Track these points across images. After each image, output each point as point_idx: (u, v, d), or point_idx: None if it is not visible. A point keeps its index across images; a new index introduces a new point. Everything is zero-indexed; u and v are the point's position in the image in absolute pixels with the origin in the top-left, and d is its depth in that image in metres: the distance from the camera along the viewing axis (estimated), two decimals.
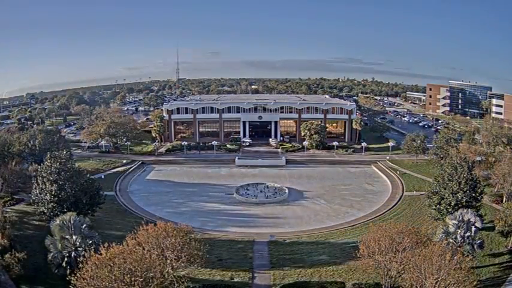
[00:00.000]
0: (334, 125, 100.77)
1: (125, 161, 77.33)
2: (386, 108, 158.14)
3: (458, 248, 31.85)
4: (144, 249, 28.00)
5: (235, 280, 34.78)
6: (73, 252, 30.72)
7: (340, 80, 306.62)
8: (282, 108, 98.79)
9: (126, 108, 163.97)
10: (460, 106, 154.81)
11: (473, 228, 33.39)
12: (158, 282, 27.48)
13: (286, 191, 61.19)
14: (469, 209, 35.62)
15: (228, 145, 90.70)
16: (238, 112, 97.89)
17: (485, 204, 45.57)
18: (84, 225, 33.20)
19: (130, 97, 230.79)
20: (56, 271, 31.92)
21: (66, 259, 30.60)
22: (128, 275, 24.21)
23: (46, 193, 40.08)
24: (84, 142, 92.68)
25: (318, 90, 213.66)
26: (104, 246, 27.01)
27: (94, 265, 24.60)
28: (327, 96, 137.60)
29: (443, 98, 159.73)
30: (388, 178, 68.82)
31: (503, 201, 48.48)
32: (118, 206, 54.71)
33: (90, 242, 31.82)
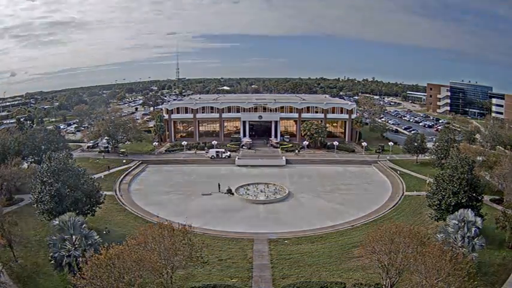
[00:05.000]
0: (335, 124, 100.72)
1: (124, 161, 77.28)
2: (387, 108, 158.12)
3: (459, 248, 31.75)
4: (144, 249, 27.93)
5: (235, 280, 34.72)
6: (73, 253, 30.63)
7: (340, 79, 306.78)
8: (282, 108, 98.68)
9: (125, 108, 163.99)
10: (460, 106, 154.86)
11: (473, 229, 33.26)
12: (158, 282, 27.47)
13: (287, 190, 61.14)
14: (470, 209, 35.50)
15: (228, 145, 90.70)
16: (238, 112, 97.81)
17: (485, 204, 45.43)
18: (84, 225, 33.14)
19: (131, 97, 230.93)
20: (56, 271, 31.87)
21: (65, 259, 30.49)
22: (128, 275, 24.18)
23: (45, 193, 39.99)
24: (84, 142, 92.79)
25: (317, 90, 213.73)
26: (103, 246, 26.99)
27: (94, 265, 24.54)
28: (327, 96, 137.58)
29: (444, 97, 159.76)
30: (388, 178, 68.78)
31: (504, 201, 48.41)
32: (118, 206, 54.64)
33: (90, 242, 31.76)
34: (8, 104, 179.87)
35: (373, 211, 53.22)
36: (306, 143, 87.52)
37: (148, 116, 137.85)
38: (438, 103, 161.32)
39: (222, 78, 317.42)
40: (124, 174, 70.02)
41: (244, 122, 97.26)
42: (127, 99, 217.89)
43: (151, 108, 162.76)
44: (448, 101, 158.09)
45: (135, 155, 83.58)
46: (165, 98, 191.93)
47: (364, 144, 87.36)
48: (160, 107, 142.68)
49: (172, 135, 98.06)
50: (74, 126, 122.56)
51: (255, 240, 43.25)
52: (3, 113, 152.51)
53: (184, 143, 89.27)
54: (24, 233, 41.24)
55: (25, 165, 64.00)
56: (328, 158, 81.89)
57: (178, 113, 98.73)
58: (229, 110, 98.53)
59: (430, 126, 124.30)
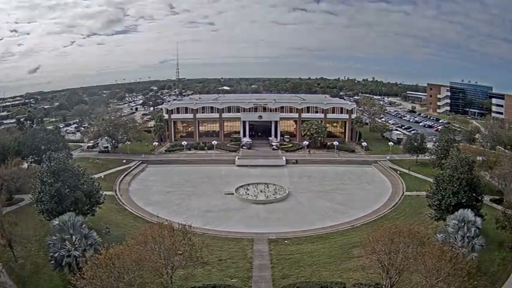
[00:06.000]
0: (335, 124, 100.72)
1: (124, 161, 77.26)
2: (387, 108, 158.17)
3: (459, 248, 31.75)
4: (143, 249, 27.94)
5: (235, 280, 34.72)
6: (73, 253, 30.63)
7: (340, 79, 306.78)
8: (282, 108, 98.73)
9: (125, 108, 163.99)
10: (460, 106, 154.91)
11: (473, 229, 33.25)
12: (158, 282, 27.49)
13: (287, 190, 61.13)
14: (470, 209, 35.49)
15: (228, 145, 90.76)
16: (238, 112, 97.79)
17: (485, 204, 45.40)
18: (84, 225, 33.14)
19: (130, 97, 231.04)
20: (56, 271, 31.88)
21: (65, 259, 30.49)
22: (128, 275, 24.18)
23: (45, 193, 39.98)
24: (84, 142, 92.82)
25: (317, 90, 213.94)
26: (103, 246, 26.99)
27: (94, 265, 24.55)
28: (327, 96, 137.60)
29: (444, 97, 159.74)
30: (388, 178, 68.79)
31: (504, 201, 48.40)
32: (118, 206, 54.64)
33: (90, 242, 31.77)
34: (8, 104, 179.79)
35: (373, 211, 53.21)
36: (306, 142, 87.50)
37: (149, 116, 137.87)
38: (438, 103, 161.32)
39: (222, 78, 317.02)
40: (124, 174, 70.04)
41: (244, 122, 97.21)
42: (127, 99, 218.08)
43: (152, 108, 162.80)
44: (448, 101, 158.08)
45: (135, 155, 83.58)
46: (165, 98, 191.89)
47: (364, 144, 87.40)
48: (160, 107, 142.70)
49: (172, 135, 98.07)
50: (74, 126, 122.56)
51: (255, 240, 43.25)
52: (3, 113, 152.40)
53: (184, 143, 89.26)
54: (24, 233, 41.26)
55: (25, 165, 63.95)
56: (328, 158, 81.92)
57: (178, 113, 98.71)
58: (229, 110, 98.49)
59: (430, 126, 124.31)
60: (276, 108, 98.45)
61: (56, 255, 30.67)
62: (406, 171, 70.44)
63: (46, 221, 40.97)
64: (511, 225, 38.94)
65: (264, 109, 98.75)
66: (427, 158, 73.04)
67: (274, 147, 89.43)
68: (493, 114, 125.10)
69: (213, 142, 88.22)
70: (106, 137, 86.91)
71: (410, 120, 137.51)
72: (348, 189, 63.60)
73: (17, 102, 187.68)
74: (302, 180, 68.48)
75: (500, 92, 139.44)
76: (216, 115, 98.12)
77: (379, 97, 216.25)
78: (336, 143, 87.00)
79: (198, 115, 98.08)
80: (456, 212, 35.43)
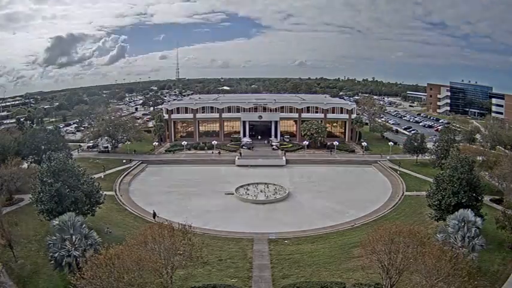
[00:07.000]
0: (335, 124, 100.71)
1: (124, 161, 77.26)
2: (387, 108, 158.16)
3: (459, 248, 31.74)
4: (143, 249, 27.93)
5: (235, 280, 34.71)
6: (73, 252, 30.64)
7: (340, 79, 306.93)
8: (282, 108, 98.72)
9: (125, 108, 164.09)
10: (460, 106, 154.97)
11: (473, 229, 33.24)
12: (157, 282, 27.48)
13: (287, 190, 61.11)
14: (470, 209, 35.47)
15: (228, 145, 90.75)
16: (238, 112, 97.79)
17: (485, 204, 45.39)
18: (84, 225, 33.13)
19: (130, 97, 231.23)
20: (56, 271, 31.88)
21: (65, 259, 30.49)
22: (128, 275, 24.17)
23: (45, 193, 39.98)
24: (84, 142, 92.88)
25: (317, 90, 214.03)
26: (103, 246, 26.98)
27: (94, 265, 24.53)
28: (327, 96, 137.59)
29: (444, 97, 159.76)
30: (388, 178, 68.77)
31: (504, 201, 48.42)
32: (118, 206, 54.63)
33: (90, 242, 31.77)
34: (8, 104, 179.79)
35: (373, 211, 53.19)
36: (306, 142, 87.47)
37: (148, 116, 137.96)
38: (438, 103, 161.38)
39: (222, 78, 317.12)
40: (124, 174, 70.05)
41: (244, 122, 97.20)
42: (127, 99, 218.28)
43: (152, 108, 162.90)
44: (448, 101, 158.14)
45: (135, 155, 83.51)
46: (165, 98, 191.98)
47: (364, 144, 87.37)
48: (160, 107, 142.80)
49: (172, 135, 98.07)
50: (74, 126, 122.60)
51: (255, 240, 43.24)
52: (3, 113, 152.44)
53: (184, 143, 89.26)
54: (24, 233, 41.25)
55: (25, 165, 63.99)
56: (328, 158, 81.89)
57: (178, 113, 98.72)
58: (229, 110, 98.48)
59: (430, 126, 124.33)
60: (276, 108, 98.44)
61: (56, 255, 30.67)
62: (407, 171, 70.50)
63: (46, 221, 40.97)
64: (511, 225, 38.97)
65: (264, 109, 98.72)
66: (427, 158, 73.04)
67: (274, 147, 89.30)
68: (493, 114, 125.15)
69: (213, 142, 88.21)
70: (106, 137, 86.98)
71: (411, 120, 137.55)
72: (348, 189, 63.56)
73: (17, 102, 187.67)
74: (302, 180, 68.45)
75: (500, 92, 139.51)
76: (216, 115, 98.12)
77: (379, 97, 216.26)
78: (336, 143, 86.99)
79: (198, 115, 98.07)
80: (456, 212, 35.40)
